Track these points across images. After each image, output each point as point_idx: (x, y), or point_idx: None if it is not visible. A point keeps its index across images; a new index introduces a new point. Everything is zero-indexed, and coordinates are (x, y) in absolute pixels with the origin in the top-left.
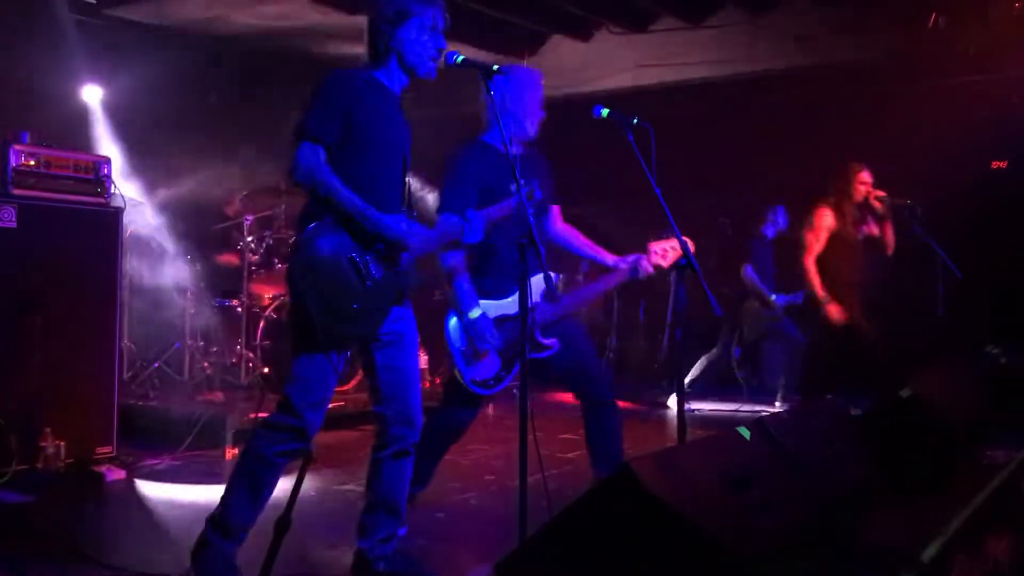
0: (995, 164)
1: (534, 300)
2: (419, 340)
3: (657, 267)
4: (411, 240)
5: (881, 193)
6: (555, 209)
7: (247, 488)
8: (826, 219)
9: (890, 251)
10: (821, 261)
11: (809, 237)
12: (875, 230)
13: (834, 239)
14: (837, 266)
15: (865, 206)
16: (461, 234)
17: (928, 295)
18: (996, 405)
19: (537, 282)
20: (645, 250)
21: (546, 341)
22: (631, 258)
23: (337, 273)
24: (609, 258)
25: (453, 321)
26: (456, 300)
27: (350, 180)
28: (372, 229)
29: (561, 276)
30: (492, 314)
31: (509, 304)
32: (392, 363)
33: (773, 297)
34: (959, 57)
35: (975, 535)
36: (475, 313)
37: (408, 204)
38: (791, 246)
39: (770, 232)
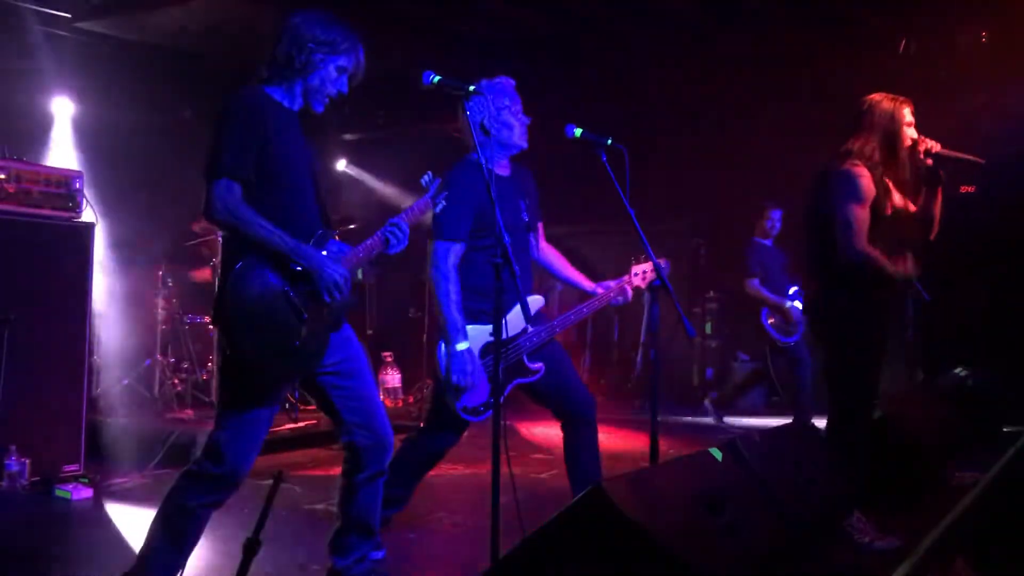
0: (963, 188)
1: (523, 324)
2: (392, 358)
3: (636, 289)
4: (327, 271)
5: (934, 145)
6: (539, 227)
7: (168, 542)
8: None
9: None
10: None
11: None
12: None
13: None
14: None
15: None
16: (385, 246)
17: (897, 317)
18: (965, 426)
19: (527, 304)
20: (625, 271)
21: (533, 365)
22: (612, 283)
23: (273, 310)
24: (588, 284)
25: (443, 348)
26: (444, 330)
27: (267, 211)
28: (299, 261)
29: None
30: (481, 341)
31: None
32: (349, 391)
33: (787, 303)
34: (928, 82)
35: (945, 556)
36: (462, 346)
37: (327, 225)
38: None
39: (765, 238)
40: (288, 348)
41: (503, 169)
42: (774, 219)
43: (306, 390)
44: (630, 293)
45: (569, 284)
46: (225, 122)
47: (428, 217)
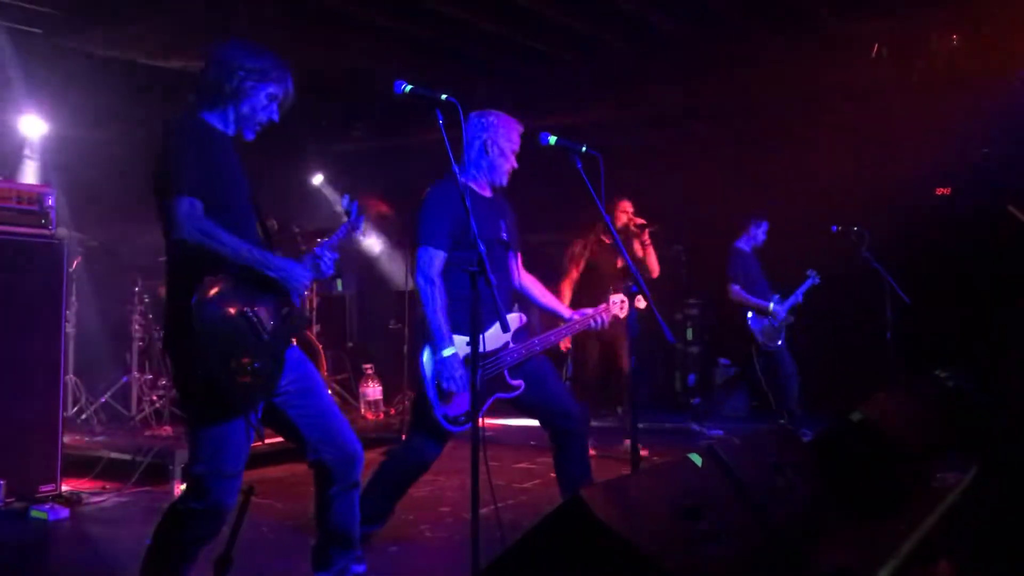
0: (939, 191)
1: (505, 340)
2: (373, 370)
3: (615, 318)
4: (297, 276)
5: (640, 220)
6: (518, 257)
7: None
8: (580, 248)
9: (654, 275)
10: (579, 288)
11: (568, 264)
12: (639, 254)
13: (591, 267)
14: (592, 292)
15: (626, 232)
16: (317, 271)
17: (876, 319)
18: (945, 428)
19: (509, 321)
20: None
21: (514, 382)
22: (589, 311)
23: (235, 332)
24: (565, 311)
25: (426, 355)
26: (431, 337)
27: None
28: (272, 275)
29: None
30: (463, 352)
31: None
32: (307, 410)
33: (771, 305)
34: (902, 86)
35: (927, 558)
36: (448, 352)
37: (270, 246)
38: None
39: (747, 245)
40: (249, 369)
41: (485, 191)
42: (759, 230)
43: (264, 416)
44: (607, 319)
45: (547, 311)
46: (174, 143)
47: (353, 239)
